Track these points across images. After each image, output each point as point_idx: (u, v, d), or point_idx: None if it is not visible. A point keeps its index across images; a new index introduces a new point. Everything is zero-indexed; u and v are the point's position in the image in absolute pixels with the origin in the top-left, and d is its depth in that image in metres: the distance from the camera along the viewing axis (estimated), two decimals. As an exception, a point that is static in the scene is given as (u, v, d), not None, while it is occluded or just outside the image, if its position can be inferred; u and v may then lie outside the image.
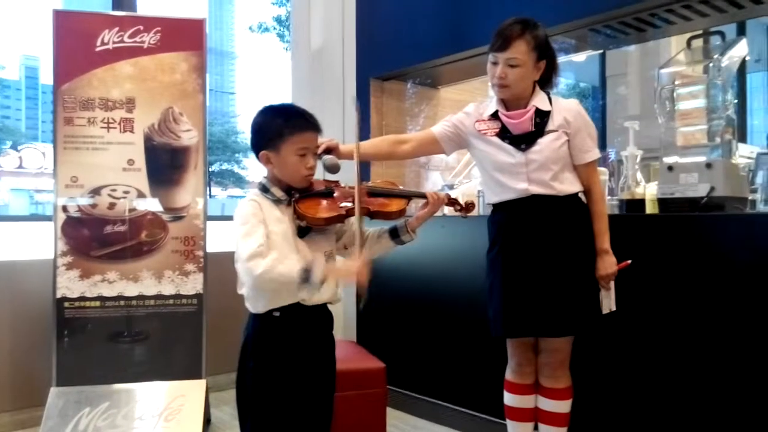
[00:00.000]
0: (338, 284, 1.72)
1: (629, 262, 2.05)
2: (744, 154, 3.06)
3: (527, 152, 1.99)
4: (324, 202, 1.72)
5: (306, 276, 1.52)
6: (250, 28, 18.20)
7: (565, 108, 2.02)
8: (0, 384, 2.98)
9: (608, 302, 2.04)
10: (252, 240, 1.57)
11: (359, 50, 3.80)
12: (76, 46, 2.85)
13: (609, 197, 2.69)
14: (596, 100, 7.29)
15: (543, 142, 1.99)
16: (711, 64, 2.39)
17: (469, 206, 1.92)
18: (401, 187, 1.89)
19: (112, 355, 2.84)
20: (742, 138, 5.64)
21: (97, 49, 2.86)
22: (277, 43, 18.32)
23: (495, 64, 1.99)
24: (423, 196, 1.83)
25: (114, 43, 2.87)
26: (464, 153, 3.31)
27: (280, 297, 1.64)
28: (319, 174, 1.78)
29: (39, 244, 3.04)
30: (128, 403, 2.75)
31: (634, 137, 2.71)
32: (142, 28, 2.89)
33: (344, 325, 3.70)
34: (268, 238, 1.60)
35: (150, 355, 2.88)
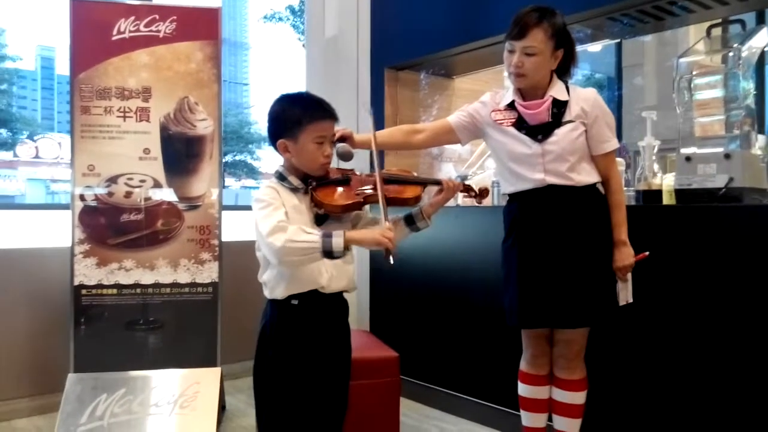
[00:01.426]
0: (354, 273, 1.72)
1: (647, 254, 2.04)
2: (763, 145, 3.02)
3: (544, 143, 1.98)
4: (341, 190, 1.73)
5: (328, 243, 1.53)
6: (264, 17, 18.18)
7: (582, 98, 2.00)
8: (19, 370, 3.03)
9: (625, 294, 2.02)
10: (272, 218, 1.57)
11: (373, 40, 3.79)
12: (93, 35, 2.87)
13: (625, 188, 2.67)
14: (612, 91, 7.22)
15: (560, 133, 1.97)
16: (730, 54, 2.35)
17: (483, 192, 1.91)
18: (416, 175, 1.89)
19: (128, 342, 2.87)
20: (762, 129, 5.55)
21: (114, 38, 2.87)
22: (291, 33, 18.31)
23: (512, 52, 1.97)
24: (438, 183, 1.83)
25: (130, 32, 2.88)
26: (478, 144, 3.29)
27: (300, 281, 1.65)
28: (332, 162, 1.78)
29: (56, 232, 3.08)
30: (144, 389, 2.78)
31: (652, 127, 2.68)
32: (157, 17, 2.90)
33: (358, 315, 3.71)
34: (288, 217, 1.61)
35: (165, 342, 2.91)
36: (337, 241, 1.54)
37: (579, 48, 3.52)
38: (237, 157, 26.27)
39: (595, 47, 6.03)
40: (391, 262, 1.55)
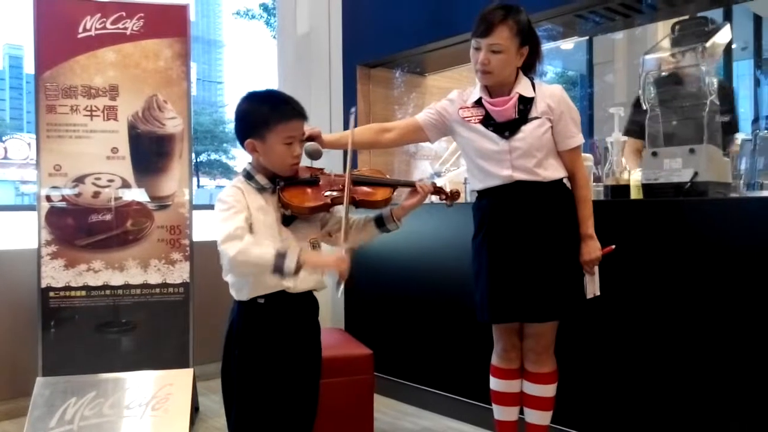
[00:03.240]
0: (317, 273, 1.71)
1: (613, 247, 2.07)
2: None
3: (511, 140, 1.99)
4: (309, 191, 1.71)
5: (280, 262, 1.51)
6: (237, 13, 18.02)
7: (548, 94, 2.02)
8: (-15, 374, 2.97)
9: (592, 287, 2.05)
10: (230, 223, 1.56)
11: (345, 37, 3.78)
12: (58, 32, 2.81)
13: (595, 184, 2.71)
14: (584, 88, 7.30)
15: (527, 130, 1.98)
16: (695, 50, 2.39)
17: (455, 194, 1.93)
18: (387, 176, 1.88)
19: (99, 345, 2.83)
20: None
21: (80, 35, 2.82)
22: (265, 30, 18.19)
23: (478, 49, 1.98)
24: (408, 185, 1.83)
25: (96, 29, 2.84)
26: (452, 140, 3.31)
27: (262, 284, 1.64)
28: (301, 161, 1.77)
29: (24, 234, 3.02)
30: (115, 392, 2.74)
31: (620, 123, 2.72)
32: (124, 14, 2.85)
33: (332, 313, 3.70)
34: (249, 224, 1.59)
35: (137, 344, 2.87)
36: (289, 264, 1.52)
37: (551, 45, 3.58)
38: (212, 157, 26.05)
39: (567, 45, 6.11)
40: (339, 294, 1.55)
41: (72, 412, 2.65)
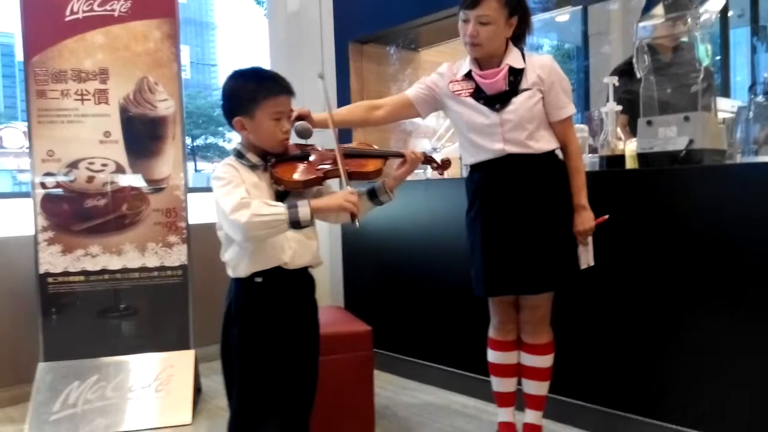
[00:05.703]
0: (318, 246, 1.72)
1: (606, 217, 2.07)
2: (726, 108, 3.07)
3: (502, 112, 1.98)
4: (301, 166, 1.71)
5: (294, 213, 1.52)
6: (228, -10, 17.76)
7: (539, 65, 2.00)
8: (-12, 361, 2.99)
9: (586, 257, 2.05)
10: (233, 195, 1.56)
11: (336, 13, 3.74)
12: (45, 16, 2.78)
13: (591, 155, 2.70)
14: (580, 60, 7.24)
15: (517, 101, 1.97)
16: (688, 17, 2.37)
17: (445, 163, 1.92)
18: (377, 148, 1.88)
19: (100, 329, 2.84)
20: (726, 93, 5.64)
21: (67, 18, 2.79)
22: (257, 9, 17.97)
23: (466, 22, 1.96)
24: (399, 155, 1.82)
25: (84, 12, 2.80)
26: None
27: (262, 259, 1.64)
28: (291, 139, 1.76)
29: (21, 221, 3.01)
30: (117, 375, 2.76)
31: (614, 93, 2.69)
32: (111, -5, 2.82)
33: (331, 291, 3.72)
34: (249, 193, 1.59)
35: (137, 328, 2.88)
36: (304, 210, 1.53)
37: (545, 16, 3.54)
38: (208, 140, 25.94)
39: (562, 17, 6.03)
40: (356, 225, 1.57)
41: (75, 396, 2.68)
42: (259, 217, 1.51)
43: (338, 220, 1.85)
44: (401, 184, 1.82)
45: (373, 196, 1.81)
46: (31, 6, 2.77)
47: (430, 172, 3.03)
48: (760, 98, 2.63)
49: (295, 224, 1.54)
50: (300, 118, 1.81)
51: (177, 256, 2.92)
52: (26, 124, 2.83)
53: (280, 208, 1.54)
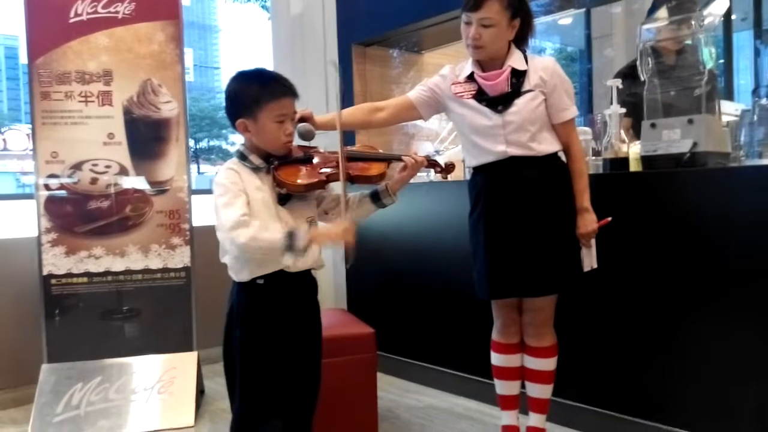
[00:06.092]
0: (322, 248, 1.72)
1: (609, 219, 2.06)
2: (730, 111, 3.06)
3: (504, 114, 1.97)
4: (304, 169, 1.71)
5: (290, 241, 1.52)
6: (233, -3, 17.82)
7: (541, 67, 2.00)
8: (-8, 363, 2.99)
9: (589, 260, 2.05)
10: (234, 209, 1.56)
11: (340, 16, 3.75)
12: (50, 18, 2.80)
13: (594, 158, 2.69)
14: (583, 64, 7.24)
15: (520, 103, 1.97)
16: (692, 20, 2.36)
17: (449, 167, 1.92)
18: (380, 151, 1.88)
19: (103, 330, 2.84)
20: (729, 96, 5.62)
21: (71, 20, 2.80)
22: (260, 12, 17.98)
23: (468, 24, 1.95)
24: (402, 158, 1.82)
25: (88, 14, 2.81)
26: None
27: (264, 264, 1.64)
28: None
29: (23, 222, 3.02)
30: (120, 377, 2.76)
31: (618, 96, 2.69)
32: (116, -3, 2.83)
33: (335, 293, 3.71)
34: (249, 206, 1.59)
35: (140, 329, 2.88)
36: (299, 243, 1.53)
37: (548, 19, 3.54)
38: (212, 143, 25.99)
39: (565, 20, 6.03)
40: (348, 266, 1.58)
41: (78, 398, 2.68)
42: (256, 241, 1.53)
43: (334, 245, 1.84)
44: (404, 187, 1.82)
45: (375, 198, 1.81)
46: (35, 8, 2.78)
47: (433, 175, 3.03)
48: (763, 101, 2.63)
49: (290, 252, 1.54)
50: (303, 120, 1.81)
51: (180, 258, 2.92)
52: (30, 126, 2.83)
53: (278, 235, 1.54)
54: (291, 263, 1.63)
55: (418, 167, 1.81)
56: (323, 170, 1.70)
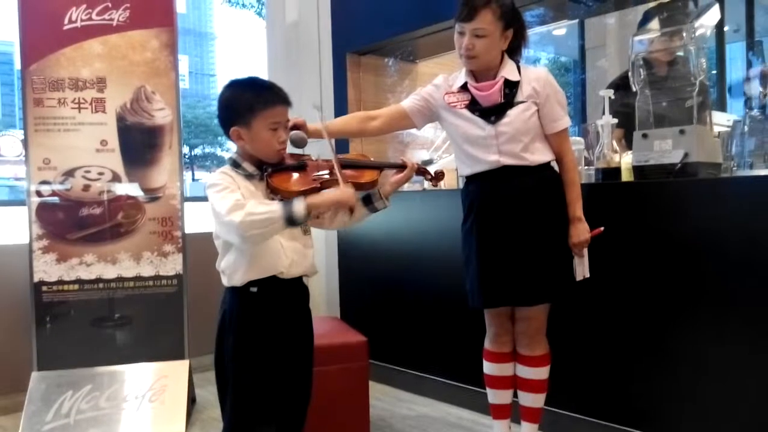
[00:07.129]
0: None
1: (602, 229, 2.07)
2: (722, 122, 3.08)
3: (497, 124, 1.98)
4: (297, 175, 1.71)
5: (288, 210, 1.51)
6: (228, 1, 17.86)
7: (534, 77, 2.01)
8: (-20, 370, 2.96)
9: (582, 269, 2.05)
10: (228, 199, 1.55)
11: (335, 24, 3.76)
12: (44, 24, 2.79)
13: (586, 167, 2.70)
14: (577, 74, 7.28)
15: (513, 114, 1.98)
16: (683, 31, 2.39)
17: (439, 175, 1.93)
18: (372, 159, 1.88)
19: (94, 338, 2.83)
20: (722, 107, 5.66)
21: (65, 27, 2.80)
22: (257, 21, 18.05)
23: (461, 34, 1.96)
24: (394, 166, 1.83)
25: (82, 21, 2.81)
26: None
27: (259, 264, 1.63)
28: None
29: (15, 229, 3.00)
30: (111, 385, 2.74)
31: (610, 106, 2.71)
32: (110, 5, 2.83)
33: (327, 301, 3.71)
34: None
35: (132, 337, 2.87)
36: (298, 206, 1.53)
37: (542, 30, 3.56)
38: (207, 150, 25.96)
39: (559, 30, 6.06)
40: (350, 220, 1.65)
41: (68, 406, 2.66)
42: (253, 215, 1.51)
43: (333, 225, 1.85)
44: (397, 192, 1.83)
45: (368, 202, 1.81)
46: (29, 14, 2.78)
47: (427, 183, 3.04)
48: (754, 112, 2.65)
49: (290, 221, 1.53)
50: (295, 127, 1.82)
51: (172, 265, 2.91)
52: (23, 132, 2.83)
53: (275, 207, 1.53)
54: (285, 267, 1.63)
55: (411, 171, 1.82)
56: (316, 176, 1.70)
